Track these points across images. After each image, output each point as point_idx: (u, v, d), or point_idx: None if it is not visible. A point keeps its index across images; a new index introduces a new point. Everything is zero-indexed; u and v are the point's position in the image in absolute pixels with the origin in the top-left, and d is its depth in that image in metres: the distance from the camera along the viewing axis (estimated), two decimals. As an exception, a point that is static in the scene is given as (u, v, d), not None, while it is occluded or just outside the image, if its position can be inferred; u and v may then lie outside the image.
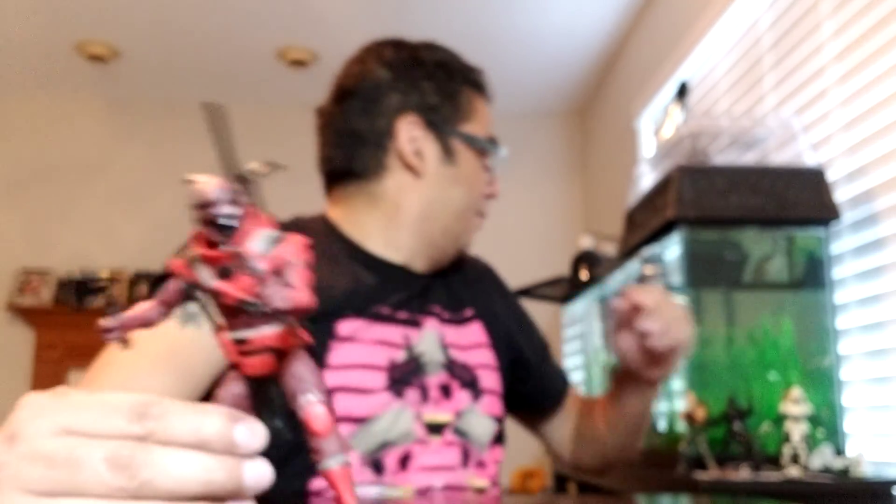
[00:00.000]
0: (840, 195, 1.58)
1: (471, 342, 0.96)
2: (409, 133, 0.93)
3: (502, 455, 0.97)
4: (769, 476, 1.27)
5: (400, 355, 0.87)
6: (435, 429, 0.88)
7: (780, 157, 1.73)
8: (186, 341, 0.76)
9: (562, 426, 1.11)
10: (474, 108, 0.97)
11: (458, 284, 1.01)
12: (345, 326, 0.85)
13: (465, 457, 0.90)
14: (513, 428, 1.06)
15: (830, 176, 1.59)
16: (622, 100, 3.26)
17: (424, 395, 0.88)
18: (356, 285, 0.88)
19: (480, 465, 0.92)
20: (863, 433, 1.50)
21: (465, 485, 0.89)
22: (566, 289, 2.71)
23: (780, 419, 1.37)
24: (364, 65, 0.95)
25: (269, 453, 0.34)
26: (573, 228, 3.87)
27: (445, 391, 0.90)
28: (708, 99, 2.32)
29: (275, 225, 0.35)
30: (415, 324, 0.91)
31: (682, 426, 1.50)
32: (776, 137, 1.73)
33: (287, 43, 3.37)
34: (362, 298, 0.87)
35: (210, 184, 0.33)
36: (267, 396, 0.36)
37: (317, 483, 0.80)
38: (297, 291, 0.33)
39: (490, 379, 0.96)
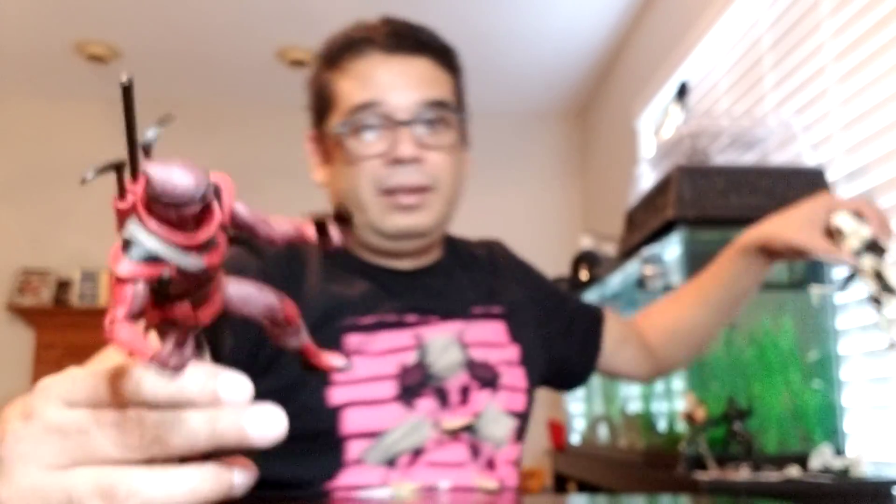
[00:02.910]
0: (840, 195, 1.58)
1: (493, 339, 0.94)
2: (309, 147, 0.97)
3: (518, 453, 0.94)
4: (769, 476, 1.27)
5: (411, 358, 0.86)
6: (451, 433, 0.87)
7: (780, 157, 1.73)
8: None
9: (621, 352, 1.09)
10: (336, 89, 0.90)
11: (480, 276, 0.99)
12: (351, 340, 0.84)
13: (474, 454, 0.88)
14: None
15: (830, 176, 1.59)
16: (622, 100, 3.26)
17: (443, 400, 0.87)
18: (356, 296, 0.87)
19: (490, 464, 0.89)
20: (863, 433, 1.50)
21: (471, 484, 0.87)
22: (566, 289, 2.71)
23: (781, 420, 1.37)
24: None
25: None
26: (573, 228, 3.87)
27: (465, 393, 0.88)
28: (708, 99, 2.32)
29: None
30: (427, 324, 0.89)
31: (682, 426, 1.50)
32: (776, 137, 1.73)
33: (287, 43, 3.37)
34: (364, 307, 0.86)
35: (190, 177, 0.30)
36: (201, 346, 0.35)
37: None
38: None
39: (513, 375, 0.93)
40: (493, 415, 0.89)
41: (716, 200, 1.51)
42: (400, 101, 0.86)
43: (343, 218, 0.35)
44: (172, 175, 0.29)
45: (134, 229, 0.30)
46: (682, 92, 2.31)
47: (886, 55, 1.47)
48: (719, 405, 1.39)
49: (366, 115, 0.87)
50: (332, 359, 0.36)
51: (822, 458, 1.33)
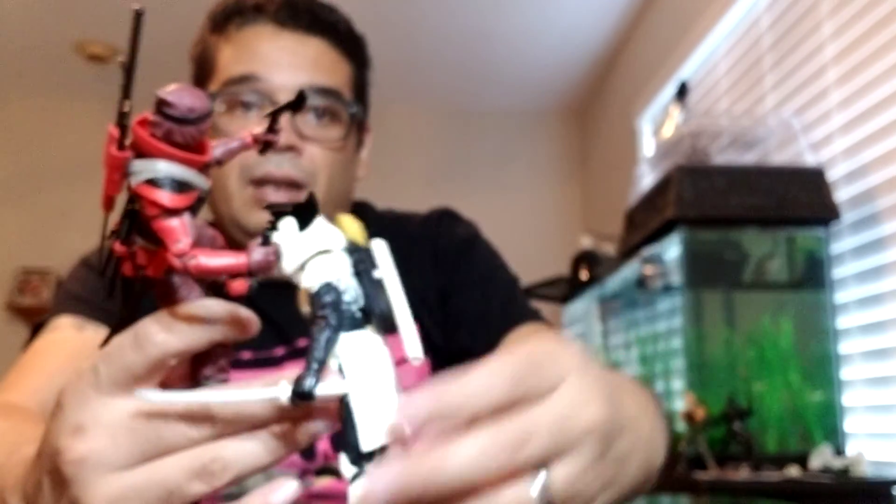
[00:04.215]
0: (840, 195, 1.58)
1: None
2: None
3: None
4: (769, 476, 1.27)
5: None
6: (329, 472, 0.75)
7: (780, 157, 1.73)
8: (84, 343, 0.74)
9: None
10: (216, 56, 0.81)
11: None
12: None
13: None
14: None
15: (830, 176, 1.58)
16: (622, 100, 3.26)
17: (308, 452, 0.74)
18: None
19: None
20: (863, 433, 1.50)
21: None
22: (566, 289, 2.71)
23: (781, 420, 1.37)
24: None
25: None
26: (573, 228, 3.87)
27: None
28: (708, 99, 2.32)
29: None
30: (297, 358, 0.77)
31: (682, 426, 1.50)
32: (776, 137, 1.73)
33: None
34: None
35: (196, 91, 0.30)
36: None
37: None
38: None
39: None
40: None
41: (716, 200, 1.51)
42: (283, 80, 0.76)
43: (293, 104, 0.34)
44: (185, 93, 0.29)
45: (161, 165, 0.30)
46: (682, 92, 2.31)
47: (886, 55, 1.46)
48: (719, 405, 1.39)
49: (242, 90, 0.76)
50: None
51: (822, 458, 1.33)
